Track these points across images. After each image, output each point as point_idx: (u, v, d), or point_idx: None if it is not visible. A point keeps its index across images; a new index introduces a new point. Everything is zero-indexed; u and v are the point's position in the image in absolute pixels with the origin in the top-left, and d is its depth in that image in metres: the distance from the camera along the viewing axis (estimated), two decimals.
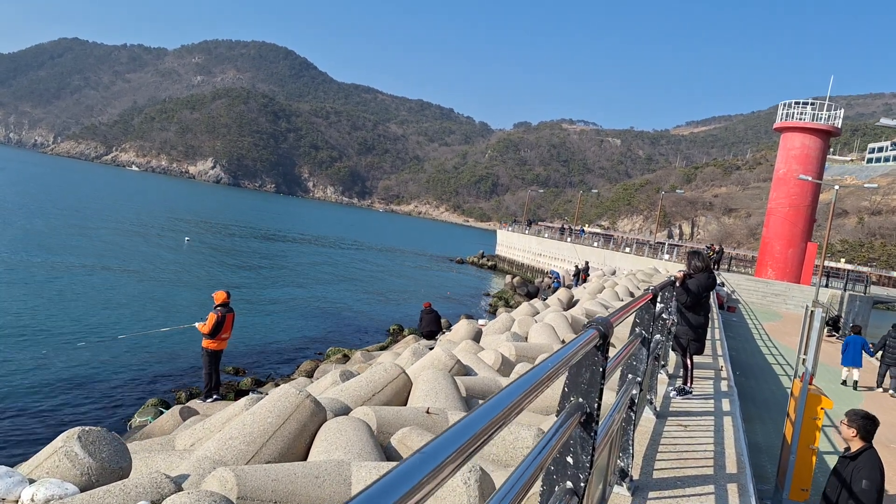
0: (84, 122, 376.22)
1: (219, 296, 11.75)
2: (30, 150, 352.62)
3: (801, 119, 39.01)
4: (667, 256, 46.55)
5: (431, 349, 12.67)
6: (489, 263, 66.24)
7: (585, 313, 16.02)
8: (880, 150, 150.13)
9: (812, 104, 39.41)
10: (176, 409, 8.73)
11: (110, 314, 20.92)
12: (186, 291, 28.00)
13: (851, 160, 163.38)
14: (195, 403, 10.15)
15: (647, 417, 5.04)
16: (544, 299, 25.01)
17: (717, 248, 42.46)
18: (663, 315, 5.66)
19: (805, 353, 6.81)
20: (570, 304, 20.92)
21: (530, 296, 39.05)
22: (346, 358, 17.55)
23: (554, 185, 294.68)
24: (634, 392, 3.35)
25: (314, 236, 76.84)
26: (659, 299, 5.08)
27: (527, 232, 66.97)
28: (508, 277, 45.51)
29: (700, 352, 6.94)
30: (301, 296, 32.59)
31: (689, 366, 6.79)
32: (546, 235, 64.17)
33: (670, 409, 5.76)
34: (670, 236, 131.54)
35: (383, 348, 20.07)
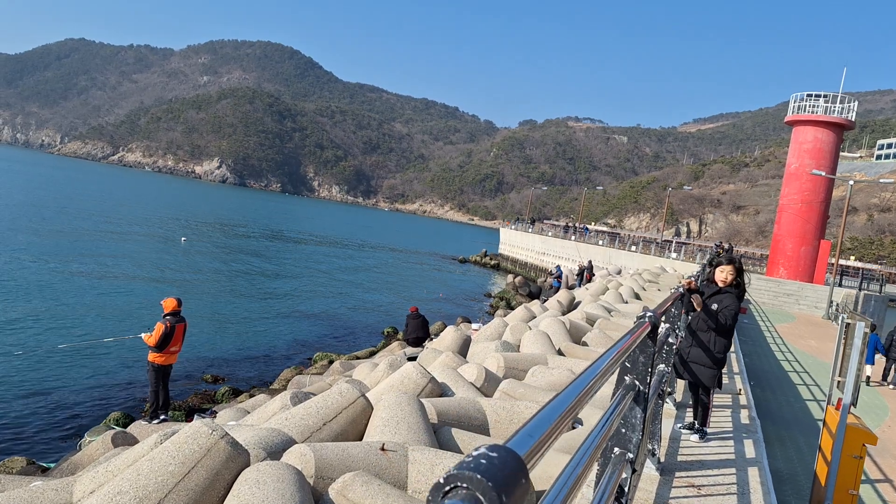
0: (91, 122, 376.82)
1: (168, 303, 10.58)
2: (37, 150, 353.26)
3: (813, 112, 37.68)
4: (674, 255, 45.28)
5: (414, 359, 11.55)
6: (492, 262, 65.06)
7: (586, 317, 14.86)
8: (889, 146, 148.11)
9: (825, 97, 38.03)
10: (108, 434, 7.61)
11: (62, 320, 19.55)
12: (162, 295, 26.89)
13: (860, 157, 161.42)
14: (138, 426, 9.02)
15: (649, 475, 3.91)
16: (544, 301, 23.85)
17: (726, 246, 41.22)
18: (669, 339, 4.55)
19: (841, 375, 5.65)
20: (571, 306, 19.75)
21: (532, 296, 37.88)
22: (329, 365, 16.47)
23: (560, 183, 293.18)
24: (625, 475, 2.31)
25: (316, 236, 75.82)
26: (664, 319, 4.01)
27: (530, 230, 65.74)
28: (510, 277, 44.36)
29: (720, 385, 5.75)
30: (296, 296, 31.53)
31: (708, 403, 5.66)
32: (550, 234, 62.95)
33: (679, 456, 4.62)
34: (678, 234, 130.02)
35: (373, 353, 19.01)
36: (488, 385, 8.29)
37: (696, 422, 5.75)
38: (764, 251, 69.99)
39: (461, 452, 5.89)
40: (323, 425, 5.81)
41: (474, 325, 19.10)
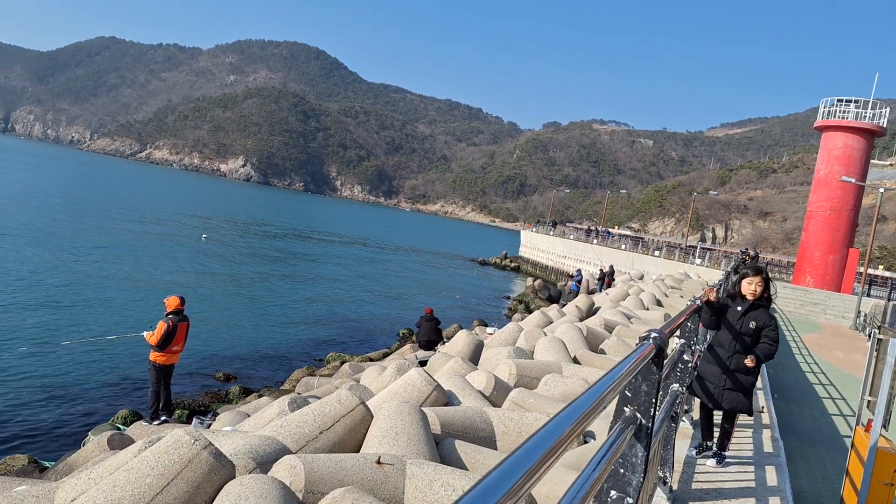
0: (120, 119, 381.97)
1: (171, 302, 10.35)
2: (66, 146, 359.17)
3: (843, 118, 36.80)
4: (698, 261, 44.53)
5: (424, 363, 11.27)
6: (512, 265, 64.60)
7: (604, 324, 14.48)
8: None
9: (856, 102, 37.13)
10: (104, 435, 7.43)
11: (72, 315, 19.45)
12: (177, 292, 26.77)
13: (891, 164, 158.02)
14: (139, 427, 8.84)
15: None
16: (562, 305, 23.47)
17: (751, 252, 40.43)
18: (684, 356, 4.18)
19: (872, 394, 5.26)
20: (590, 311, 19.34)
21: (552, 300, 37.44)
22: (341, 366, 16.25)
23: (583, 186, 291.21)
24: None
25: (336, 235, 75.92)
26: (678, 334, 3.68)
27: (551, 233, 65.16)
28: (530, 280, 43.93)
29: (751, 411, 5.31)
30: (313, 295, 31.44)
31: (730, 428, 5.26)
32: (571, 237, 62.33)
33: (693, 483, 4.27)
34: (703, 240, 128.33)
35: (386, 355, 18.79)
36: (497, 394, 7.99)
37: (708, 443, 5.37)
38: (790, 259, 68.68)
39: (464, 466, 5.60)
40: (319, 434, 5.55)
41: (489, 329, 18.78)
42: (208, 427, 8.15)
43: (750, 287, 5.35)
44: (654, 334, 2.05)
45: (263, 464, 4.84)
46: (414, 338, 21.30)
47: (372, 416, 5.89)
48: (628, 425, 2.08)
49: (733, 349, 5.27)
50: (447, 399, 7.17)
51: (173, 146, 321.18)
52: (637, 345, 2.00)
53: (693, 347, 4.49)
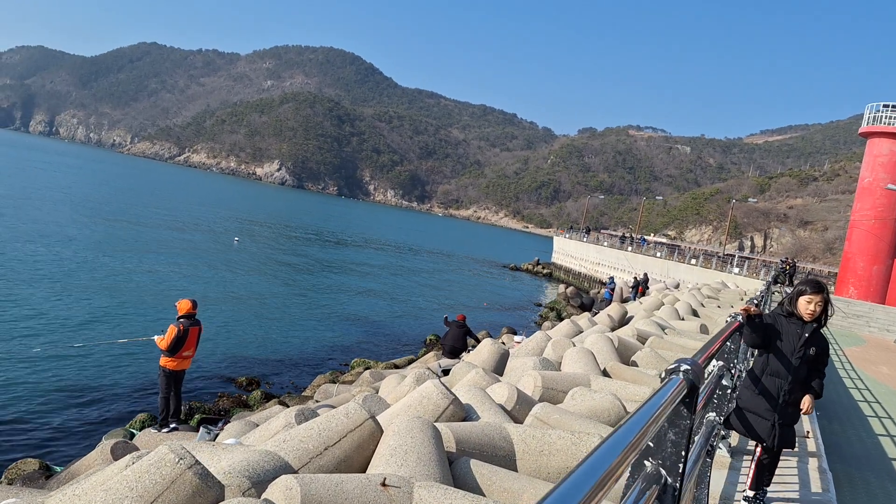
0: (159, 123, 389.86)
1: (183, 305, 10.03)
2: (108, 149, 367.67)
3: (889, 123, 35.50)
4: (736, 270, 43.36)
5: (447, 372, 10.86)
6: (544, 271, 63.87)
7: (637, 334, 13.91)
8: None
9: None
10: (108, 444, 7.17)
11: (93, 316, 19.37)
12: (204, 295, 26.75)
13: None
14: (147, 434, 8.59)
15: None
16: (595, 313, 22.87)
17: (791, 261, 39.25)
18: (723, 381, 3.69)
19: None
20: (623, 321, 18.73)
21: (584, 308, 36.75)
22: (365, 371, 15.94)
23: (619, 192, 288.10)
24: None
25: (368, 239, 76.01)
26: (716, 359, 3.23)
27: (585, 240, 64.28)
28: (562, 287, 43.24)
29: (793, 444, 4.66)
30: (342, 300, 31.27)
31: (775, 462, 4.68)
32: (605, 244, 61.39)
33: None
34: (741, 248, 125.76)
35: (411, 361, 18.43)
36: (520, 408, 7.54)
37: (754, 481, 4.73)
38: (831, 269, 66.72)
39: (479, 490, 5.18)
40: (324, 450, 5.18)
41: (517, 338, 18.28)
42: (216, 437, 7.86)
43: (809, 307, 4.64)
44: (684, 366, 1.56)
45: (259, 483, 4.49)
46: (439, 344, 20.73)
47: (382, 432, 5.51)
48: (650, 485, 1.62)
49: (791, 380, 4.59)
50: (465, 413, 6.75)
51: (210, 150, 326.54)
52: (662, 380, 1.53)
53: (733, 371, 3.94)
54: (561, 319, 31.61)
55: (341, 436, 5.29)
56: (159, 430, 9.18)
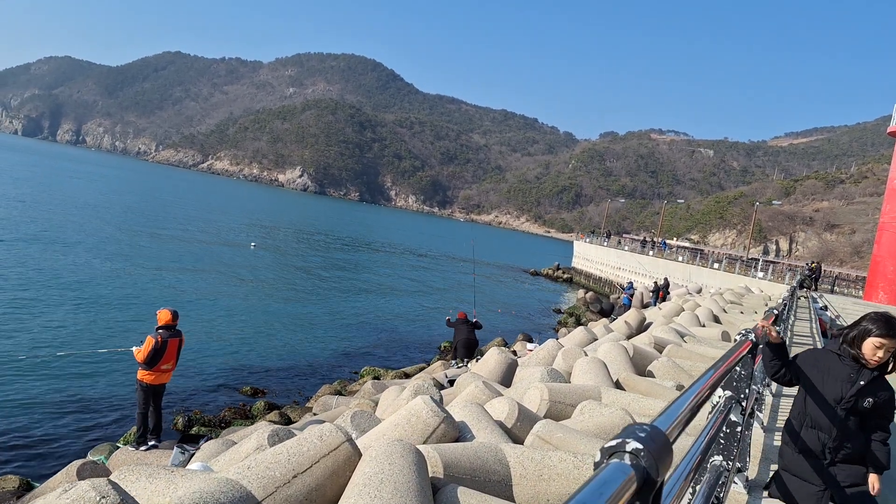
0: (184, 131, 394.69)
1: (162, 315, 9.46)
2: (133, 157, 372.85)
3: None
4: (760, 274, 42.23)
5: (453, 382, 10.30)
6: (565, 276, 63.00)
7: (654, 342, 13.23)
8: None
9: None
10: (73, 465, 6.71)
11: (94, 323, 19.00)
12: (214, 302, 26.41)
13: None
14: (125, 453, 8.11)
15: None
16: (613, 319, 22.18)
17: (813, 265, 38.12)
18: (731, 416, 3.01)
19: None
20: (641, 328, 18.04)
21: (603, 313, 35.98)
22: (367, 381, 15.42)
23: (641, 196, 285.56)
24: None
25: (388, 244, 75.67)
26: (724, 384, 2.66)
27: (605, 244, 63.31)
28: (581, 292, 42.42)
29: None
30: (357, 306, 30.83)
31: None
32: (626, 248, 60.39)
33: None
34: (766, 252, 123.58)
35: (422, 370, 17.88)
36: (521, 426, 6.96)
37: None
38: (860, 273, 65.08)
39: None
40: (293, 478, 4.66)
41: (530, 346, 17.68)
42: (191, 457, 7.38)
43: (878, 353, 3.59)
44: (632, 444, 0.97)
45: None
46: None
47: (360, 456, 4.98)
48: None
49: (836, 435, 3.71)
50: (458, 433, 6.20)
51: (233, 157, 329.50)
52: (596, 468, 0.88)
53: (744, 403, 3.23)
54: (581, 325, 30.90)
55: (313, 461, 4.76)
56: (137, 448, 8.63)
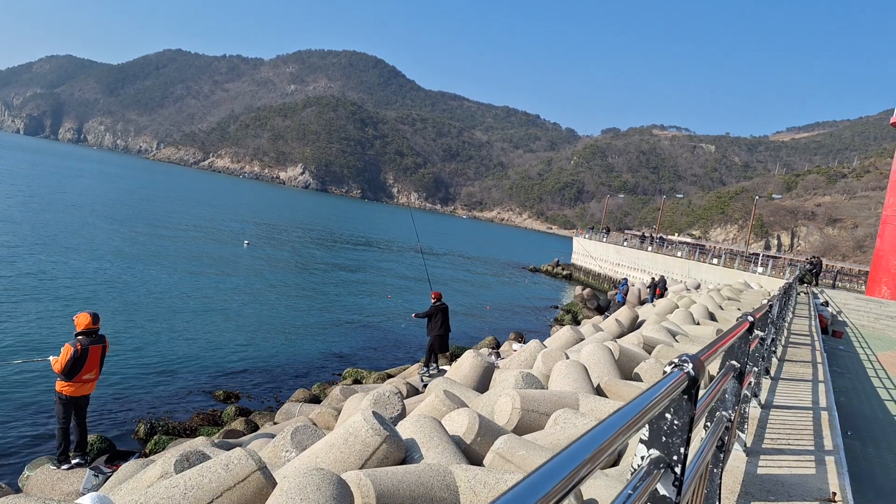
0: (184, 129, 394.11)
1: (80, 320, 8.47)
2: (134, 155, 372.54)
3: None
4: (760, 269, 41.47)
5: (437, 372, 9.61)
6: (564, 272, 62.29)
7: (643, 343, 12.53)
8: None
9: None
10: None
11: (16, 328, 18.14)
12: (204, 302, 25.69)
13: None
14: (45, 472, 7.40)
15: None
16: (606, 317, 21.49)
17: (817, 260, 37.33)
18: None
19: None
20: (633, 326, 17.34)
21: (601, 310, 35.28)
22: (357, 382, 14.75)
23: (643, 192, 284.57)
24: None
25: (386, 241, 74.98)
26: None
27: (604, 240, 62.57)
28: (578, 289, 41.71)
29: None
30: (349, 304, 30.16)
31: None
32: (625, 244, 59.65)
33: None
34: (768, 247, 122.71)
35: (405, 370, 17.21)
36: (482, 441, 6.26)
37: None
38: (862, 267, 64.23)
39: None
40: None
41: (516, 346, 16.96)
42: (105, 480, 6.69)
43: None
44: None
45: None
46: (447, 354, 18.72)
47: (274, 486, 4.30)
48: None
49: None
50: (404, 454, 5.50)
51: (234, 155, 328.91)
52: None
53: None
54: (578, 322, 30.20)
55: (215, 495, 4.08)
56: (58, 467, 7.84)
